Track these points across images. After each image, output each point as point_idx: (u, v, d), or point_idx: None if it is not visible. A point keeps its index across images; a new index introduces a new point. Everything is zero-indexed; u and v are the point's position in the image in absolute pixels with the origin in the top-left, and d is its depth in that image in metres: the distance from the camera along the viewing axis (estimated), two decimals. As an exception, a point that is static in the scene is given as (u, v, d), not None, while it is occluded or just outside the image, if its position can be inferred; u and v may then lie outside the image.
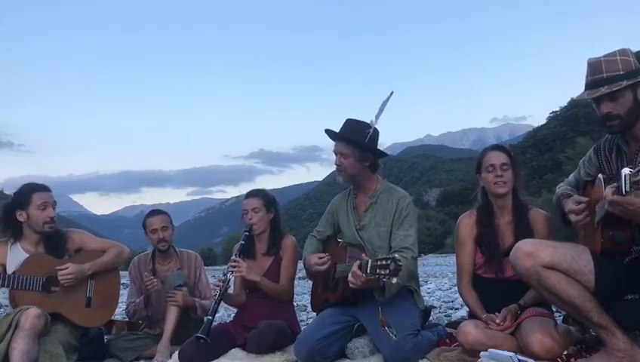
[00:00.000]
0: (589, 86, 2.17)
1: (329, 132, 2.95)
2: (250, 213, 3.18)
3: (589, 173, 2.45)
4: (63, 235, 3.17)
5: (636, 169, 1.75)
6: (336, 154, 2.93)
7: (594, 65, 2.15)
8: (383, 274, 2.32)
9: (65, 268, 2.96)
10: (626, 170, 1.77)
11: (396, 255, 2.37)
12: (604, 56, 2.15)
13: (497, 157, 2.74)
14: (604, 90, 2.10)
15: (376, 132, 2.91)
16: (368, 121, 2.90)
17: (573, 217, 2.25)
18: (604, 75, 2.11)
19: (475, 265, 2.82)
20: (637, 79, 2.09)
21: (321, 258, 2.90)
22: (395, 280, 2.33)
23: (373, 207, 2.94)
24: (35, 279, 2.92)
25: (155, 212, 3.64)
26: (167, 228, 3.51)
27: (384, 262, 2.32)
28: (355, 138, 2.86)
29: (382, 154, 3.02)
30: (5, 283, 2.88)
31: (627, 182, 1.75)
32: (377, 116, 2.90)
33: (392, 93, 2.90)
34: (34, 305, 2.76)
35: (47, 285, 2.96)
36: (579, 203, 2.24)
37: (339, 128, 2.95)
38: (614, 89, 2.08)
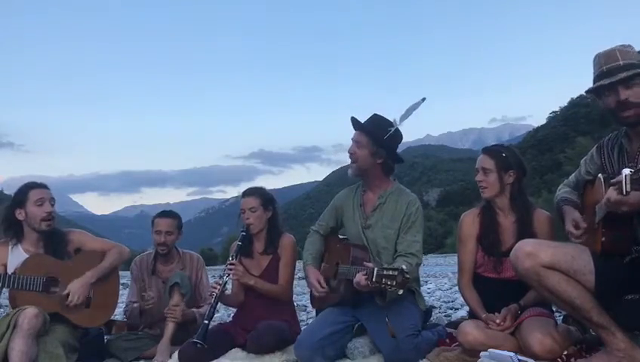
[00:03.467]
0: (604, 75, 2.13)
1: (353, 120, 2.94)
2: (247, 212, 3.15)
3: (590, 171, 2.45)
4: (63, 236, 3.17)
5: (636, 169, 1.76)
6: (352, 143, 2.91)
7: (608, 55, 2.14)
8: (389, 285, 2.29)
9: (67, 293, 2.95)
10: (626, 170, 1.78)
11: (403, 266, 2.33)
12: (617, 46, 2.15)
13: (480, 161, 2.76)
14: (623, 75, 2.07)
15: (398, 133, 2.87)
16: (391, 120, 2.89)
17: (572, 238, 2.28)
18: (621, 62, 2.10)
19: (475, 264, 2.82)
20: None
21: (322, 287, 2.85)
22: (401, 292, 2.30)
23: (381, 208, 2.92)
24: (35, 279, 2.91)
25: (167, 214, 3.58)
26: (172, 234, 3.49)
27: (391, 273, 2.29)
28: (374, 131, 2.86)
29: (397, 157, 2.98)
30: (5, 284, 2.86)
31: (628, 182, 1.76)
32: (402, 118, 2.87)
33: (423, 100, 2.85)
34: (33, 306, 2.75)
35: (47, 285, 2.95)
36: (577, 227, 2.27)
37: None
38: (634, 72, 2.06)
